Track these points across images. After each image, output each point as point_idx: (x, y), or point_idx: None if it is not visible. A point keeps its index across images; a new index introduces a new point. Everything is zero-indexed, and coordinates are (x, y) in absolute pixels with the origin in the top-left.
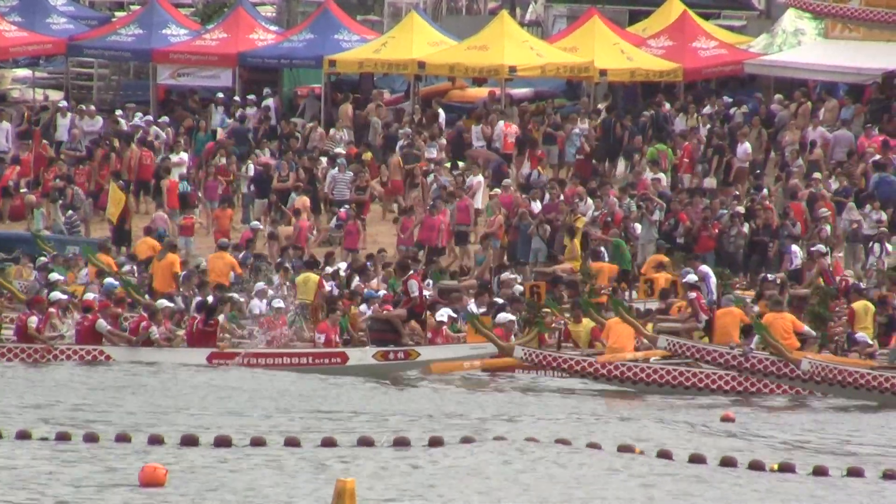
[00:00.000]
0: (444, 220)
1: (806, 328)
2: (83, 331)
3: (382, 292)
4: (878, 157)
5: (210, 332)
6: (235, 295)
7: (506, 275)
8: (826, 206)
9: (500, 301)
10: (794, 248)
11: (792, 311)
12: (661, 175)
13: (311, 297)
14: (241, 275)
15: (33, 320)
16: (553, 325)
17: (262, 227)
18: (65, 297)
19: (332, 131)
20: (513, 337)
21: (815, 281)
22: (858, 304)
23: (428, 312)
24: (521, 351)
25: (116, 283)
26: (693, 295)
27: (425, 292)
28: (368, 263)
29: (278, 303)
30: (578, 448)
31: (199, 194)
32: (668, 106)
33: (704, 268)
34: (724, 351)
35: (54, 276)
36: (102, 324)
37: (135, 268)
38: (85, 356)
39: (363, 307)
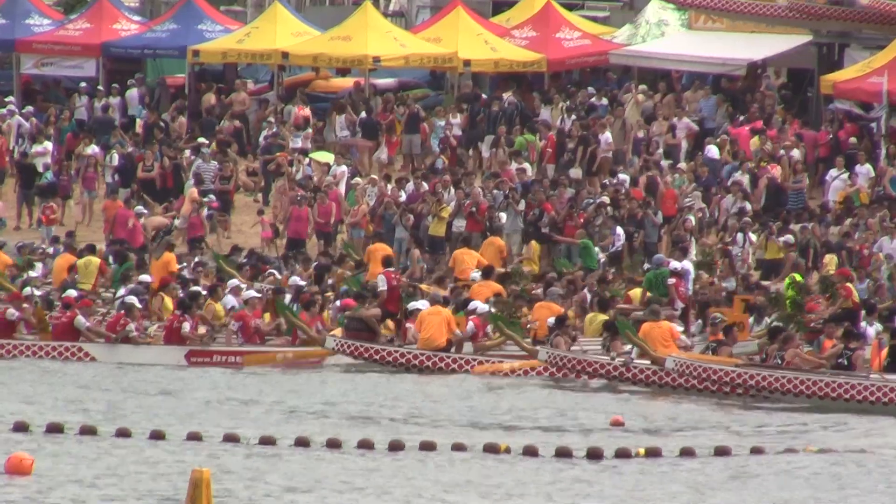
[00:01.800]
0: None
1: (682, 337)
2: (61, 327)
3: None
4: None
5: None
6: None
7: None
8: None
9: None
10: (619, 230)
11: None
12: (527, 165)
13: (92, 281)
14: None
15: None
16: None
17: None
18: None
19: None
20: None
21: (788, 273)
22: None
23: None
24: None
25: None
26: (672, 281)
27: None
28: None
29: (250, 293)
30: (442, 452)
31: (78, 186)
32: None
33: (687, 263)
34: (606, 362)
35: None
36: (81, 320)
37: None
38: (64, 353)
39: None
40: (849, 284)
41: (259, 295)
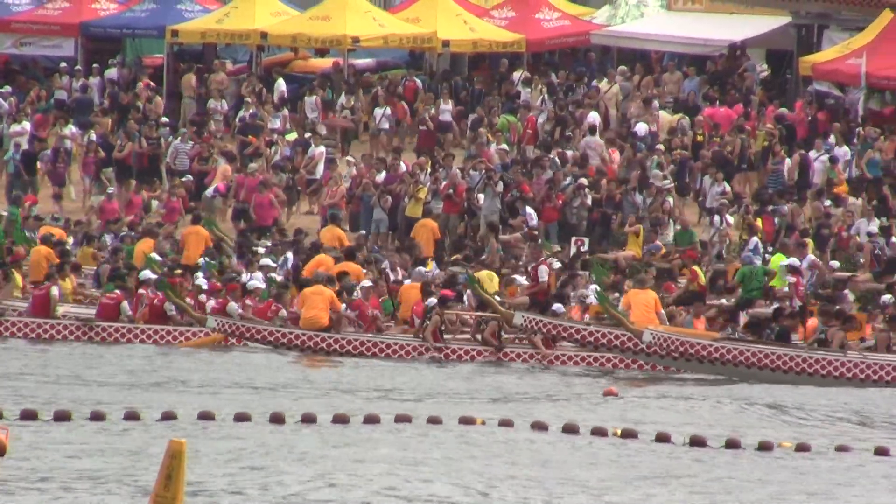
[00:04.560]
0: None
1: (661, 311)
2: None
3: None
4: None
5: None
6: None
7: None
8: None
9: None
10: (529, 209)
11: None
12: (505, 146)
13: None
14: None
15: None
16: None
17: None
18: None
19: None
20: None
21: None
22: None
23: None
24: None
25: None
26: (793, 280)
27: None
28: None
29: (366, 283)
30: (419, 425)
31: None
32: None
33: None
34: (581, 327)
35: None
36: (234, 306)
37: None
38: (36, 329)
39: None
40: (695, 267)
41: (371, 284)
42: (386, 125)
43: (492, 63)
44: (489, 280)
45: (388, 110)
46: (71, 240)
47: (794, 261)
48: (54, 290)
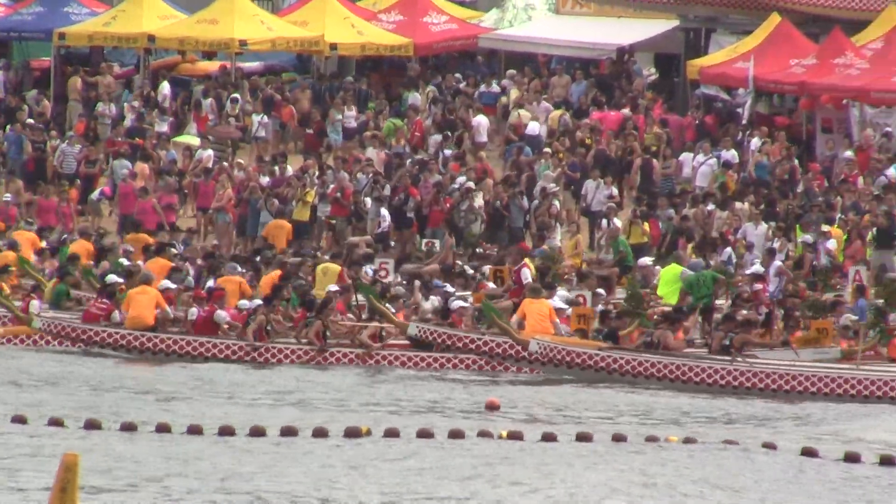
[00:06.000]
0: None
1: (556, 320)
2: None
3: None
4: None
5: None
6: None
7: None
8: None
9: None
10: (384, 210)
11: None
12: (399, 150)
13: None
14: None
15: None
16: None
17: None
18: None
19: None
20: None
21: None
22: None
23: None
24: None
25: None
26: (758, 287)
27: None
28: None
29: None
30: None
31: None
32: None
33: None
34: (475, 336)
35: None
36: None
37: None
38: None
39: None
40: (527, 260)
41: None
42: (263, 133)
43: (386, 67)
44: (322, 275)
45: (265, 117)
46: None
47: (758, 268)
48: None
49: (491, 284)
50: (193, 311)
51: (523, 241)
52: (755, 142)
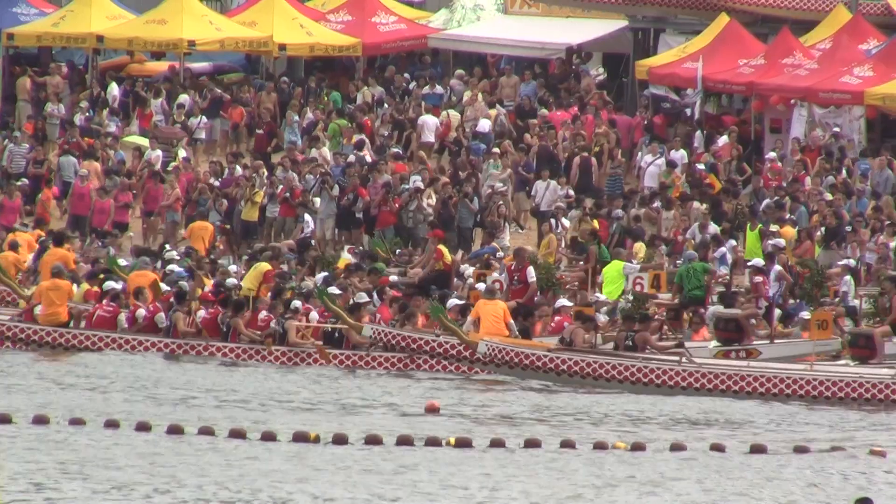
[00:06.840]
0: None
1: (510, 321)
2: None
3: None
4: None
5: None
6: None
7: None
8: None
9: None
10: (307, 216)
11: None
12: (325, 151)
13: None
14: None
15: None
16: None
17: None
18: None
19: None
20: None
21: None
22: None
23: None
24: None
25: None
26: (759, 279)
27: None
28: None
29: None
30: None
31: None
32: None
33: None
34: (431, 338)
35: None
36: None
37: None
38: None
39: None
40: (441, 247)
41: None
42: (203, 135)
43: (337, 67)
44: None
45: (204, 119)
46: None
47: (758, 261)
48: None
49: (480, 286)
50: (201, 313)
51: (472, 241)
52: (723, 139)
